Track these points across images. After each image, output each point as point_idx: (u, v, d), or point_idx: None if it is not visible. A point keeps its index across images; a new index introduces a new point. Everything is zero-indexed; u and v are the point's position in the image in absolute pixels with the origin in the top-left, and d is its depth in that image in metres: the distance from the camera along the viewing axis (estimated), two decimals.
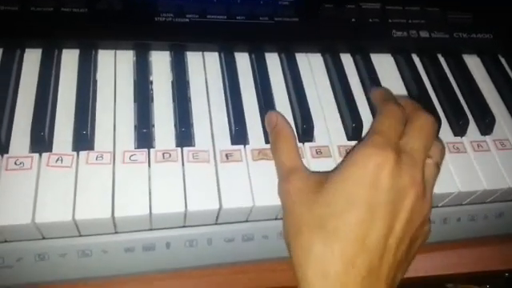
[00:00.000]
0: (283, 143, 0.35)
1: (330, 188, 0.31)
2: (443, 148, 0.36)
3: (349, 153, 0.36)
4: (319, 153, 0.37)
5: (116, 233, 0.34)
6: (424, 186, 0.32)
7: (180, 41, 0.40)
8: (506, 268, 0.45)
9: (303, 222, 0.30)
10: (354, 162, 0.31)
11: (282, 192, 0.33)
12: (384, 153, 0.30)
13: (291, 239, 0.31)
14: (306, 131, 0.38)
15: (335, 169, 0.33)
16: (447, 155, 0.39)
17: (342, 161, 0.34)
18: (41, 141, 0.33)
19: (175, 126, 0.36)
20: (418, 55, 0.46)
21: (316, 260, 0.29)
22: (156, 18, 0.40)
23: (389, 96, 0.39)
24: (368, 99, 0.42)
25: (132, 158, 0.34)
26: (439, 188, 0.36)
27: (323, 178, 0.32)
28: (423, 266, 0.44)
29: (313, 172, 0.35)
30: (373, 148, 0.31)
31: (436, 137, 0.36)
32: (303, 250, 0.30)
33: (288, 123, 0.36)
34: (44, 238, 0.32)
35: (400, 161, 0.31)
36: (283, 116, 0.37)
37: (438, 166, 0.34)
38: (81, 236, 0.33)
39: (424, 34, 0.46)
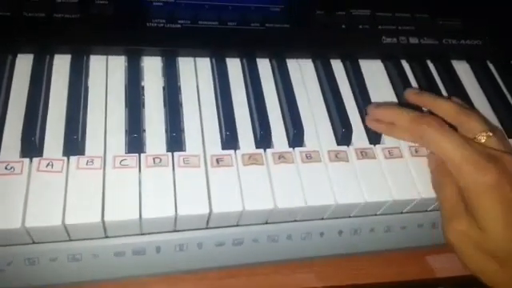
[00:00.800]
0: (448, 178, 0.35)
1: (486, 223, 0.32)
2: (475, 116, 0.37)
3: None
4: (309, 157, 0.38)
5: (106, 237, 0.34)
6: None
7: (172, 46, 0.41)
8: None
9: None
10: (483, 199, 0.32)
11: (451, 239, 0.34)
12: (489, 175, 0.32)
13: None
14: (296, 136, 0.38)
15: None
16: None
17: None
18: (31, 146, 0.33)
19: (166, 131, 0.37)
20: (407, 61, 0.47)
21: None
22: (148, 24, 0.40)
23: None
24: (358, 105, 0.42)
25: (123, 162, 0.34)
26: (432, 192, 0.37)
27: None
28: (414, 270, 0.44)
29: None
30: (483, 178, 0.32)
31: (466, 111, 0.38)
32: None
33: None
34: (34, 243, 0.33)
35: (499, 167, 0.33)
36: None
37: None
38: (71, 240, 0.33)
39: (413, 40, 0.46)
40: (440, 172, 0.36)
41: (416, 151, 0.39)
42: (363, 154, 0.38)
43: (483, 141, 0.36)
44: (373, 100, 0.42)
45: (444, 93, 0.45)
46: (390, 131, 0.39)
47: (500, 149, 0.35)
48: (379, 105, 0.40)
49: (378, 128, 0.39)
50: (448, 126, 0.35)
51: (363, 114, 0.41)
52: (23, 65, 0.38)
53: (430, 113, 0.39)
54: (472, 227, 0.32)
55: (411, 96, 0.42)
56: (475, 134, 0.36)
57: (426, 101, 0.41)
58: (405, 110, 0.38)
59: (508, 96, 0.46)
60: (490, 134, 0.36)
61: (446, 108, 0.38)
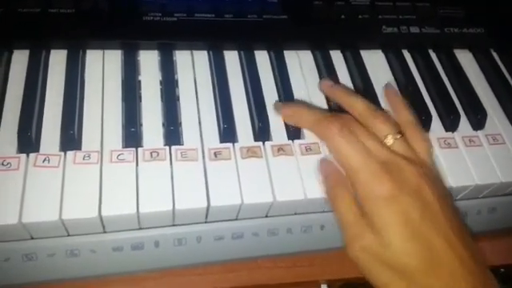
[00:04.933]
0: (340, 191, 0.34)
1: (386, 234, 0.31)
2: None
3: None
4: (309, 150, 0.37)
5: (104, 232, 0.33)
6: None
7: (168, 40, 0.40)
8: (501, 264, 0.44)
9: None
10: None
11: (354, 257, 0.32)
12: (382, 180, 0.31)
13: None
14: (295, 128, 0.38)
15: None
16: (438, 150, 0.39)
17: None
18: (28, 141, 0.33)
19: (163, 124, 0.36)
20: (408, 51, 0.46)
21: None
22: (144, 18, 0.40)
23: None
24: None
25: (120, 157, 0.34)
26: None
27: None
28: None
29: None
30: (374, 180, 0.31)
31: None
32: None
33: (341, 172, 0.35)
34: (32, 238, 0.32)
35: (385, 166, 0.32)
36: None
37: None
38: (69, 236, 0.33)
39: (414, 29, 0.46)
40: (335, 181, 0.34)
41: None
42: None
43: (390, 143, 0.34)
44: (376, 90, 0.42)
45: (447, 83, 0.44)
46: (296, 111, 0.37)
47: (406, 153, 0.33)
48: (287, 103, 0.39)
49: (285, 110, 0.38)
50: (353, 128, 0.34)
51: None
52: (19, 60, 0.38)
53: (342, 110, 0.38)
54: (375, 241, 0.31)
55: (324, 87, 0.40)
56: (382, 136, 0.34)
57: (338, 95, 0.39)
58: (311, 110, 0.37)
59: None
60: (398, 137, 0.34)
61: (356, 107, 0.36)
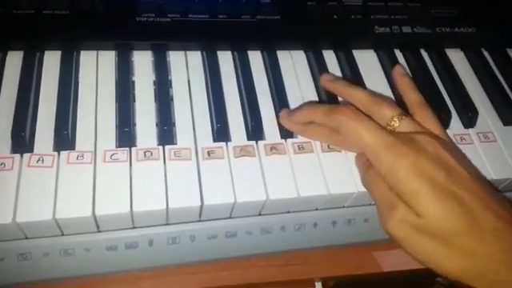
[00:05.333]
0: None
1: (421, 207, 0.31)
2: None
3: None
4: (301, 148, 0.37)
5: (98, 231, 0.34)
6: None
7: (162, 40, 0.41)
8: None
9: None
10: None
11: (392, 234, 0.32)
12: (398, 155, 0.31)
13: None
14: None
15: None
16: None
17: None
18: (21, 141, 0.33)
19: (157, 124, 0.37)
20: (400, 50, 0.46)
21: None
22: (137, 18, 0.40)
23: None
24: None
25: (113, 156, 0.34)
26: None
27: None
28: (412, 259, 0.44)
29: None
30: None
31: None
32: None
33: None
34: (27, 238, 0.33)
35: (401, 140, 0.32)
36: None
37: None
38: (63, 235, 0.33)
39: (406, 29, 0.46)
40: (365, 167, 0.34)
41: None
42: None
43: (396, 125, 0.34)
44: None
45: (438, 82, 0.45)
46: (304, 131, 0.38)
47: (417, 130, 0.34)
48: (290, 110, 0.39)
49: (294, 129, 0.38)
50: (363, 113, 0.34)
51: None
52: (14, 61, 0.38)
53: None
54: (409, 213, 0.30)
55: (324, 82, 0.41)
56: (387, 120, 0.34)
57: (339, 89, 0.39)
58: (319, 105, 0.37)
59: (503, 83, 0.46)
60: (403, 117, 0.34)
61: (357, 97, 0.37)
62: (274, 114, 0.39)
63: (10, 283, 0.34)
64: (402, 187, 0.31)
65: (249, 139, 0.37)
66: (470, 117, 0.42)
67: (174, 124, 0.37)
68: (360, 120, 0.33)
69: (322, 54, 0.44)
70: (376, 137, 0.32)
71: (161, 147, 0.35)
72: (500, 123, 0.43)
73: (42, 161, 0.33)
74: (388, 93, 0.43)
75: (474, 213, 0.30)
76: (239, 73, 0.41)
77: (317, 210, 0.38)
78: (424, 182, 0.30)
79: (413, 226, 0.30)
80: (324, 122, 0.36)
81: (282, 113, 0.39)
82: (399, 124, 0.34)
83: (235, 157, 0.36)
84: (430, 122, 0.36)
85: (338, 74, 0.43)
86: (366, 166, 0.34)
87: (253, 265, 0.40)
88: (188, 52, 0.42)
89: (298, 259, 0.41)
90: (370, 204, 0.38)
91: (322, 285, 0.42)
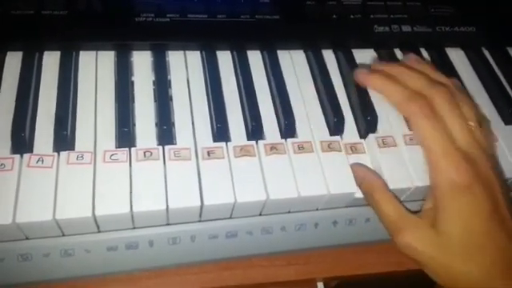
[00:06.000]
0: (379, 194, 0.34)
1: (446, 226, 0.31)
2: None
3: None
4: (301, 148, 0.37)
5: (98, 232, 0.34)
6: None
7: (161, 40, 0.41)
8: None
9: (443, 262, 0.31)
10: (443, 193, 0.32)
11: (404, 247, 0.33)
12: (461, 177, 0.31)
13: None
14: (287, 127, 0.38)
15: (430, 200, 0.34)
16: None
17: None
18: (21, 142, 0.33)
19: (156, 124, 0.37)
20: (400, 50, 0.46)
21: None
22: (136, 19, 0.40)
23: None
24: (348, 94, 0.42)
25: (113, 157, 0.34)
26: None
27: (428, 214, 0.33)
28: None
29: (412, 213, 0.34)
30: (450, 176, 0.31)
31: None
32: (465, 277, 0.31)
33: (375, 173, 0.36)
34: (27, 239, 0.33)
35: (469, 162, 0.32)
36: (367, 167, 0.37)
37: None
38: (64, 236, 0.33)
39: (406, 28, 0.46)
40: (371, 186, 0.35)
41: (410, 139, 0.39)
42: (354, 146, 0.38)
43: (473, 131, 0.34)
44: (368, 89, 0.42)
45: None
46: (383, 87, 0.37)
47: (483, 144, 0.34)
48: (375, 71, 0.39)
49: (372, 82, 0.38)
50: (440, 107, 0.34)
51: (353, 104, 0.40)
52: (13, 62, 0.38)
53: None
54: (432, 232, 0.31)
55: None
56: (468, 121, 0.34)
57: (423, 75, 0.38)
58: (400, 86, 0.36)
59: (504, 83, 0.46)
60: (479, 126, 0.34)
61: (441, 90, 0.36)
62: (273, 113, 0.39)
63: (11, 284, 0.34)
64: (444, 201, 0.31)
65: (249, 139, 0.37)
66: None
67: (174, 124, 0.37)
68: (432, 120, 0.33)
69: (321, 54, 0.44)
70: (442, 144, 0.32)
71: (160, 147, 0.35)
72: (501, 122, 0.43)
73: (42, 161, 0.33)
74: None
75: (506, 254, 0.31)
76: (238, 72, 0.41)
77: (317, 210, 0.37)
78: (465, 207, 0.31)
79: (431, 241, 0.31)
80: (400, 104, 0.35)
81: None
82: (475, 131, 0.34)
83: (235, 157, 0.36)
84: (489, 136, 0.37)
85: (338, 73, 0.43)
86: (373, 184, 0.35)
87: (254, 265, 0.40)
88: (187, 52, 0.42)
89: (300, 259, 0.41)
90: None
91: (324, 285, 0.42)
